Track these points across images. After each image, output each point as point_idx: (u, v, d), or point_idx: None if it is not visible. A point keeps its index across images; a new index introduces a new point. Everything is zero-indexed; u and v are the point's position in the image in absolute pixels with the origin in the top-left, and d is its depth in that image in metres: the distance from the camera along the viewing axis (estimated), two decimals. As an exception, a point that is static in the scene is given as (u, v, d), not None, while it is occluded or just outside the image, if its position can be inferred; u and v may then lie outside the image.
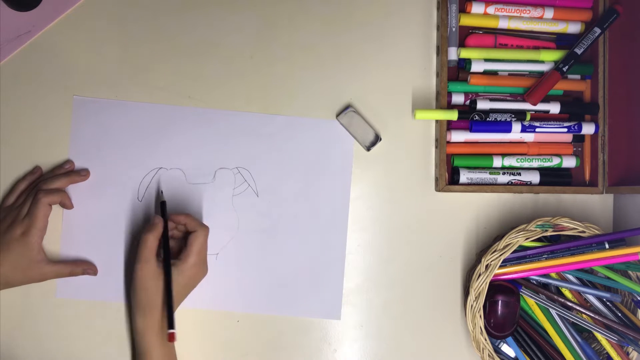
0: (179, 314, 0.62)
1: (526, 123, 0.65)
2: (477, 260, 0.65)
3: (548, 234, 0.60)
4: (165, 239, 0.59)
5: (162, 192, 0.64)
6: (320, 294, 0.65)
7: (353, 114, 0.66)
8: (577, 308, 0.61)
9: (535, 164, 0.66)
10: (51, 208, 0.60)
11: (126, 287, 0.63)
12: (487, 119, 0.65)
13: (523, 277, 0.61)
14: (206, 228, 0.60)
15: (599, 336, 0.61)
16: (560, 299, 0.61)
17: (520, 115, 0.66)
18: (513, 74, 0.67)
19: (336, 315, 0.66)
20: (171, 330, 0.56)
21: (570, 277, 0.62)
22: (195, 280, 0.60)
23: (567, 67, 0.64)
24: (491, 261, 0.60)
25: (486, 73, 0.66)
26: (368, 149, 0.66)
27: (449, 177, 0.67)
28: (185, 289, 0.60)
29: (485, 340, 0.59)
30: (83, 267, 0.62)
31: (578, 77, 0.68)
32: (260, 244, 0.65)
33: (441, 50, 0.65)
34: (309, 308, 0.65)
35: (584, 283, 0.62)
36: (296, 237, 0.66)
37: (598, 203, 0.69)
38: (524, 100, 0.66)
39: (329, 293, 0.66)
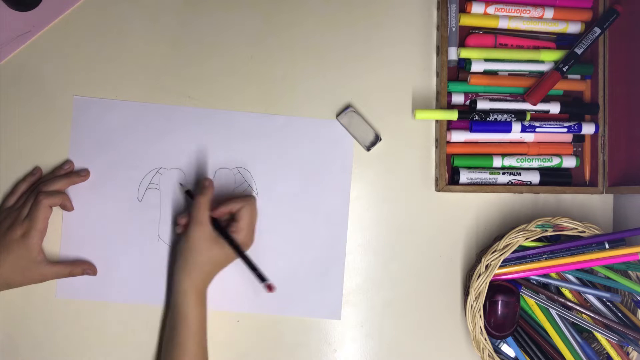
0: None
1: (526, 123, 0.65)
2: (477, 260, 0.65)
3: (548, 234, 0.60)
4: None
5: (181, 184, 0.64)
6: (320, 294, 0.65)
7: (353, 114, 0.66)
8: (577, 308, 0.61)
9: (535, 164, 0.66)
10: (51, 210, 0.60)
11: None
12: (487, 119, 0.65)
13: (523, 277, 0.61)
14: (252, 198, 0.62)
15: (599, 336, 0.61)
16: (560, 299, 0.61)
17: (520, 115, 0.66)
18: (513, 74, 0.67)
19: (336, 315, 0.66)
20: (268, 282, 0.60)
21: (570, 277, 0.62)
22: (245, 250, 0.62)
23: (567, 67, 0.64)
24: (491, 261, 0.60)
25: (486, 73, 0.66)
26: (368, 149, 0.66)
27: (449, 177, 0.67)
28: (231, 259, 0.61)
29: (485, 340, 0.60)
30: (82, 267, 0.62)
31: (578, 77, 0.68)
32: (260, 244, 0.65)
33: (441, 50, 0.65)
34: (309, 308, 0.65)
35: (584, 283, 0.62)
36: (296, 237, 0.66)
37: (598, 203, 0.69)
38: (524, 100, 0.66)
39: (329, 293, 0.66)
